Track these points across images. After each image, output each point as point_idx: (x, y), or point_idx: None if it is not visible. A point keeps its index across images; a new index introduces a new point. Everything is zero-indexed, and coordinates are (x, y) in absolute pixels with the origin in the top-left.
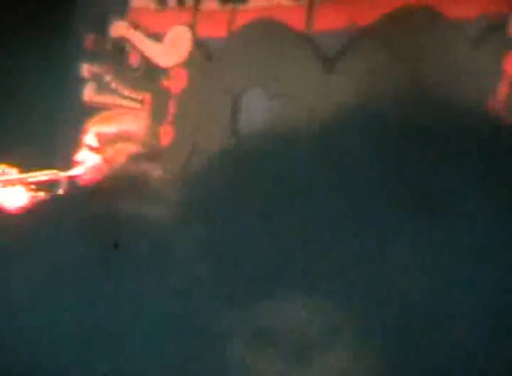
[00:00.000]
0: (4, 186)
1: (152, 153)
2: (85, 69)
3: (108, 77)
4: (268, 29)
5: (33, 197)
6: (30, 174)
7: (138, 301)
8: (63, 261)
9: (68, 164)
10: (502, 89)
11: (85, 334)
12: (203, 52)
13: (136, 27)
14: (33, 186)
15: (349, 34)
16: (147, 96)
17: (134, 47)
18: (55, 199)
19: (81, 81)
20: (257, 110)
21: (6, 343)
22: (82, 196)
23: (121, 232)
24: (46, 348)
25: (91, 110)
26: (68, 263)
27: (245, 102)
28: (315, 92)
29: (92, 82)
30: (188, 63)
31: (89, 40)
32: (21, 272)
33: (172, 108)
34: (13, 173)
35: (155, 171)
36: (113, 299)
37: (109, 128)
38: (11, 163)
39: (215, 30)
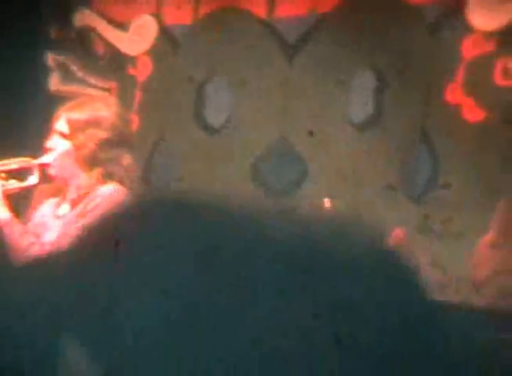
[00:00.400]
0: None
1: (122, 139)
2: (51, 58)
3: (74, 67)
4: (231, 16)
5: (3, 185)
6: (0, 162)
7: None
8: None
9: (38, 151)
10: (460, 74)
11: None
12: (168, 40)
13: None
14: (3, 175)
15: (310, 21)
16: (113, 85)
17: (99, 36)
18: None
19: (47, 70)
20: (222, 97)
21: (6, 342)
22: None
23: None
24: (45, 346)
25: (58, 99)
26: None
27: (209, 89)
28: (276, 78)
29: (58, 71)
30: (153, 51)
31: (54, 29)
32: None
33: (138, 96)
34: None
35: (124, 157)
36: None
37: (80, 114)
38: None
39: (180, 18)
